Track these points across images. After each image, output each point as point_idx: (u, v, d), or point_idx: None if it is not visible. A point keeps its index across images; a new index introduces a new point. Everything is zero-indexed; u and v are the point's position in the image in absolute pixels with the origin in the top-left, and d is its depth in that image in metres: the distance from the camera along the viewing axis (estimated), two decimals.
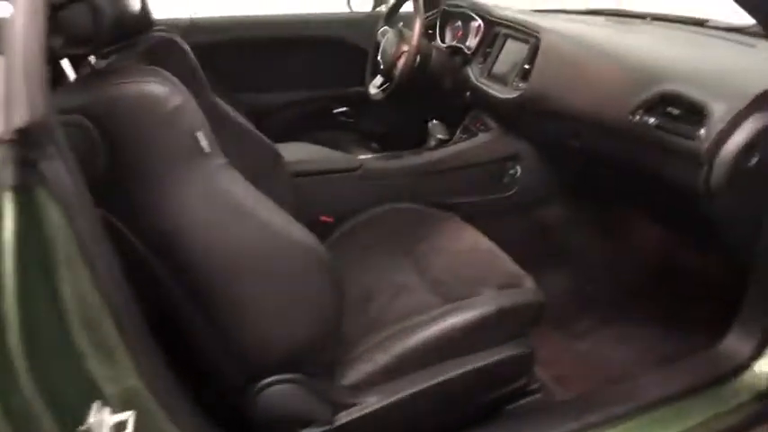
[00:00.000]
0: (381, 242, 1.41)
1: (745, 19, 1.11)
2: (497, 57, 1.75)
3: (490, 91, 1.68)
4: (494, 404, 1.17)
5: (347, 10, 2.32)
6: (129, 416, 0.66)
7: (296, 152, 1.58)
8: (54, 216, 0.59)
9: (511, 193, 1.71)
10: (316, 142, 2.17)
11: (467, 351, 1.08)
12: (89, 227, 0.63)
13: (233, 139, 1.28)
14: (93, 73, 0.83)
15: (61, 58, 0.85)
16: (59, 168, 0.60)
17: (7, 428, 0.59)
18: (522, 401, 1.20)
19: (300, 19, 2.27)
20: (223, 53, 2.14)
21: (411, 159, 1.64)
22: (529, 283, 1.20)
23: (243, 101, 2.18)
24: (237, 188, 0.86)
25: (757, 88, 1.10)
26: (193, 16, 2.15)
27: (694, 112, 1.13)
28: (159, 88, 0.78)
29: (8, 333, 0.57)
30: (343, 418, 0.99)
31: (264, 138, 1.37)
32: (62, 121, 0.76)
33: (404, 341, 1.05)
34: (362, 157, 1.70)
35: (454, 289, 1.17)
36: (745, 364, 1.24)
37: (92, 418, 0.63)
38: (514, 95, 1.55)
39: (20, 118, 0.54)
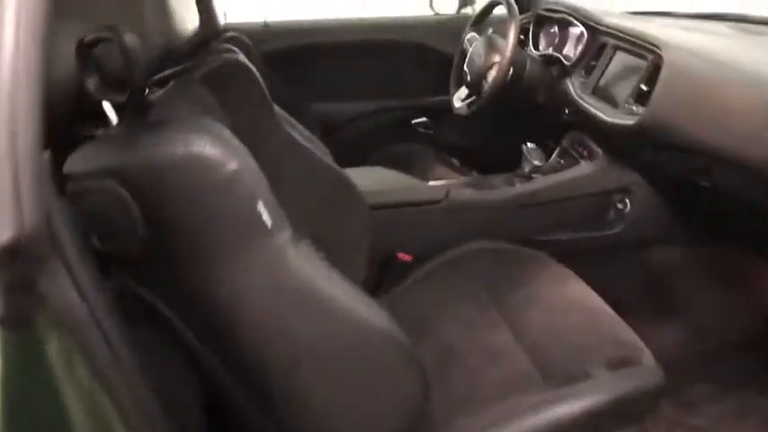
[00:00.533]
0: (467, 289, 1.24)
1: None
2: (604, 71, 1.51)
3: (596, 112, 1.45)
4: None
5: (430, 13, 2.13)
6: None
7: (370, 179, 1.42)
8: (60, 347, 0.45)
9: (617, 230, 1.47)
10: (392, 156, 2.02)
11: None
12: (108, 354, 0.49)
13: (303, 169, 1.15)
14: (132, 120, 0.69)
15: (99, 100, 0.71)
16: (66, 287, 0.45)
17: None
18: None
19: (378, 22, 2.10)
20: (296, 59, 2.01)
21: (504, 190, 1.43)
22: (646, 358, 1.01)
23: (315, 110, 2.05)
24: (306, 270, 0.70)
25: None
26: (267, 20, 2.03)
27: None
28: (211, 150, 0.63)
29: None
30: None
31: (337, 168, 1.21)
32: (90, 188, 0.63)
33: None
34: (443, 182, 1.52)
35: (558, 362, 1.01)
36: None
37: None
38: (630, 122, 1.31)
39: (6, 231, 0.39)
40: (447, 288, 1.26)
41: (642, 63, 1.36)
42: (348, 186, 1.22)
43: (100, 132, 0.74)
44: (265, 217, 0.66)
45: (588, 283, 1.24)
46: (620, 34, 1.45)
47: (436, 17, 2.12)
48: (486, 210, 1.40)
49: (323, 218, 1.14)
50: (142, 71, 0.64)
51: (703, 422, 1.31)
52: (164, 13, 0.90)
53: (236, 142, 0.67)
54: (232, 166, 0.64)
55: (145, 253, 0.66)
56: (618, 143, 1.43)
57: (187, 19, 0.95)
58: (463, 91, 1.81)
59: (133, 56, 0.60)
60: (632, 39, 1.40)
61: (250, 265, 0.67)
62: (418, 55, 2.07)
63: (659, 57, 1.28)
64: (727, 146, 1.11)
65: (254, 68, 1.09)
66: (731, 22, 1.66)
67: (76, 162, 0.66)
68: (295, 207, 1.09)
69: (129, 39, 0.60)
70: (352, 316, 0.73)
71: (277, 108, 1.38)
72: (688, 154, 1.21)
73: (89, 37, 0.61)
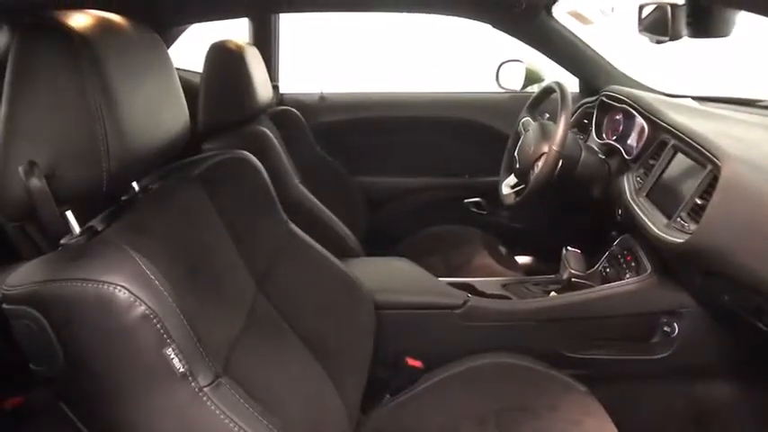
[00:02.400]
0: (477, 411, 1.12)
1: None
2: (662, 173, 1.35)
3: (646, 220, 1.29)
4: None
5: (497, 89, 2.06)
6: None
7: (386, 274, 1.33)
8: None
9: (661, 356, 1.28)
10: (438, 235, 1.93)
11: None
12: None
13: (303, 268, 1.10)
14: (60, 250, 0.67)
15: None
16: None
17: None
18: None
19: (436, 98, 2.05)
20: (349, 131, 2.00)
21: (530, 302, 1.29)
22: None
23: (363, 183, 2.02)
24: (224, 416, 0.63)
25: None
26: (323, 92, 2.05)
27: None
28: (121, 293, 0.61)
29: None
30: None
31: (341, 267, 1.15)
32: (9, 312, 0.61)
33: None
34: (471, 280, 1.41)
35: None
36: None
37: None
38: (678, 240, 1.14)
39: None
40: (455, 406, 1.15)
41: (701, 171, 1.20)
42: (353, 286, 1.14)
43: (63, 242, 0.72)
44: (176, 362, 0.61)
45: (621, 412, 1.09)
46: (681, 135, 1.29)
47: (495, 94, 2.05)
48: (509, 319, 1.27)
49: (321, 318, 1.07)
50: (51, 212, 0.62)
51: None
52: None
53: (156, 283, 0.64)
54: (140, 310, 0.60)
55: (67, 378, 0.63)
56: (669, 259, 1.25)
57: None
58: (512, 178, 1.70)
59: (37, 198, 0.59)
60: (693, 142, 1.24)
61: (164, 409, 0.62)
62: (473, 133, 1.99)
63: (717, 168, 1.12)
64: None
65: (260, 166, 1.06)
66: None
67: (14, 279, 0.65)
68: (288, 306, 1.04)
69: (34, 182, 0.59)
70: None
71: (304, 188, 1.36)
72: (741, 288, 1.03)
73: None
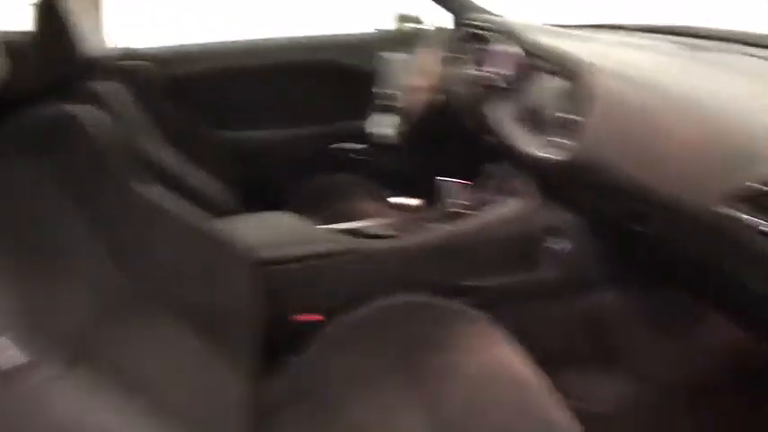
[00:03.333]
0: (381, 358, 1.07)
1: None
2: (532, 96, 1.36)
3: (522, 143, 1.29)
4: None
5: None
6: None
7: (263, 229, 1.23)
8: None
9: (549, 275, 1.31)
10: (318, 186, 1.83)
11: None
12: None
13: (170, 234, 0.96)
14: None
15: None
16: None
17: None
18: None
19: (294, 42, 1.91)
20: (205, 85, 1.82)
21: (419, 237, 1.26)
22: None
23: (231, 138, 1.86)
24: (75, 406, 0.52)
25: None
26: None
27: None
28: None
29: None
30: None
31: (210, 230, 1.03)
32: None
33: None
34: (356, 224, 1.34)
35: None
36: None
37: None
38: (558, 157, 1.15)
39: None
40: (358, 357, 1.09)
41: (572, 89, 1.21)
42: (229, 247, 1.03)
43: None
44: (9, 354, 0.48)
45: (522, 332, 1.09)
46: (548, 55, 1.30)
47: (362, 35, 1.96)
48: (401, 258, 1.23)
49: (195, 287, 0.96)
50: None
51: None
52: None
53: None
54: None
55: None
56: (547, 179, 1.27)
57: None
58: (384, 117, 1.64)
59: None
60: (560, 60, 1.24)
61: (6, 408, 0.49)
62: (338, 77, 1.90)
63: (590, 82, 1.13)
64: (661, 188, 0.96)
65: (90, 126, 0.90)
66: (680, 37, 1.52)
67: None
68: (154, 279, 0.91)
69: None
70: None
71: (164, 151, 1.20)
72: (622, 196, 1.06)
73: None
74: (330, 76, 1.90)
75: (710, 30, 1.49)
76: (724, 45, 1.34)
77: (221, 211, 1.33)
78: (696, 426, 1.26)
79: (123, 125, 1.29)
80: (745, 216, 0.81)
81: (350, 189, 1.78)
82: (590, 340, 1.37)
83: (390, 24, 1.95)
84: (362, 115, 1.89)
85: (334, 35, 1.96)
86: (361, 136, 1.91)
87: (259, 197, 1.72)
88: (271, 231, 1.22)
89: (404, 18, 1.93)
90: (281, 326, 1.15)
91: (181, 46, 1.84)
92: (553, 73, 1.30)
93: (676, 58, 1.25)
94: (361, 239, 1.22)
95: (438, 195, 1.48)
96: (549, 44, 1.31)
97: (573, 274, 1.32)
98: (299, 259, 1.16)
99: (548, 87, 1.32)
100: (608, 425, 0.89)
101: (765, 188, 0.79)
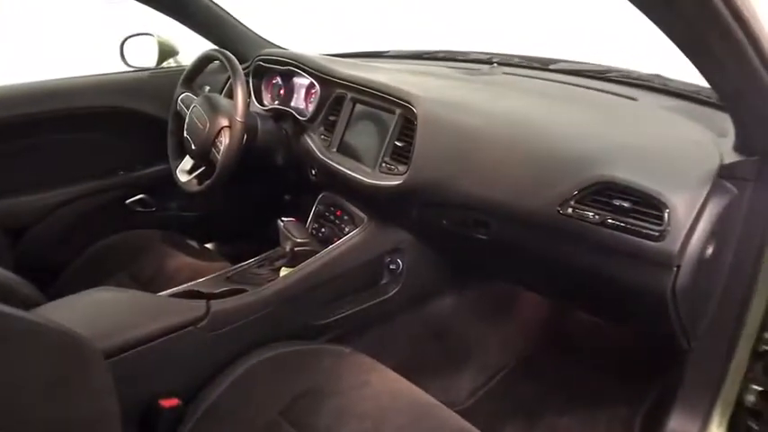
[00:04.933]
0: (259, 415, 0.99)
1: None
2: (347, 127, 1.40)
3: (348, 172, 1.32)
4: None
5: (124, 69, 1.77)
6: None
7: (96, 314, 1.03)
8: None
9: (393, 292, 1.36)
10: (112, 247, 1.59)
11: None
12: None
13: None
14: None
15: None
16: None
17: None
18: None
19: (62, 85, 1.63)
20: None
21: (272, 287, 1.18)
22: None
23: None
24: None
25: (706, 166, 0.92)
26: None
27: (646, 204, 0.91)
28: None
29: None
30: None
31: (45, 325, 0.82)
32: None
33: None
34: (188, 286, 1.22)
35: None
36: None
37: None
38: (393, 183, 1.20)
39: None
40: (236, 423, 0.99)
41: (390, 117, 1.28)
42: (65, 341, 0.83)
43: None
44: None
45: (381, 355, 1.12)
46: (360, 87, 1.35)
47: (132, 74, 1.77)
48: (256, 311, 1.14)
49: (43, 400, 0.76)
50: None
51: None
52: None
53: None
54: None
55: None
56: (381, 204, 1.32)
57: None
58: (188, 162, 1.52)
59: None
60: (376, 92, 1.30)
61: None
62: (120, 120, 1.69)
63: (410, 111, 1.21)
64: (499, 198, 1.08)
65: None
66: (447, 62, 1.70)
67: None
68: None
69: None
70: None
71: None
72: (460, 209, 1.16)
73: None
74: (112, 121, 1.67)
75: (470, 53, 1.71)
76: (487, 68, 1.55)
77: (22, 300, 1.08)
78: (534, 392, 1.44)
79: None
80: (588, 213, 0.96)
81: (151, 244, 1.59)
82: (436, 346, 1.46)
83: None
84: (155, 161, 1.73)
85: (109, 74, 1.74)
86: (156, 184, 1.74)
87: (37, 273, 1.42)
88: (104, 312, 1.02)
89: (167, 50, 1.81)
90: (145, 418, 0.99)
91: None
92: (366, 103, 1.35)
93: (464, 81, 1.41)
94: (215, 301, 1.10)
95: (254, 238, 1.43)
96: (359, 75, 1.36)
97: (412, 287, 1.39)
98: (148, 339, 1.00)
99: (363, 118, 1.37)
100: (466, 414, 0.97)
101: (590, 189, 0.95)
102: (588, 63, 1.51)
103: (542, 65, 1.53)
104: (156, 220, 1.79)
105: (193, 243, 1.64)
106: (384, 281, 1.37)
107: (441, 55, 1.75)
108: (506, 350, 1.51)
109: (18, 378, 0.72)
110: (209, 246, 1.84)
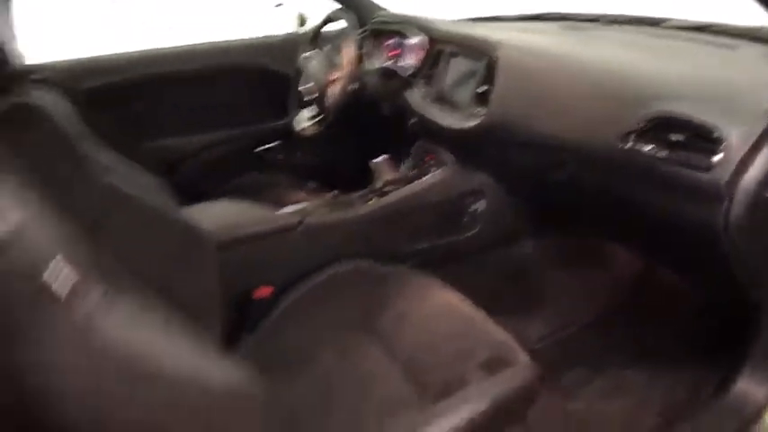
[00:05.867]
0: (336, 315, 1.17)
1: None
2: (444, 78, 1.52)
3: (439, 119, 1.44)
4: None
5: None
6: None
7: (216, 215, 1.28)
8: None
9: (473, 232, 1.47)
10: (241, 188, 1.88)
11: None
12: None
13: (132, 222, 0.99)
14: None
15: None
16: None
17: None
18: None
19: (207, 48, 1.95)
20: (124, 95, 1.82)
21: (360, 207, 1.37)
22: (521, 356, 1.00)
23: (153, 148, 1.86)
24: (128, 335, 0.57)
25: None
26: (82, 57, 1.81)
27: (703, 138, 0.93)
28: None
29: None
30: None
31: (177, 215, 1.06)
32: None
33: None
34: (298, 207, 1.42)
35: (433, 374, 0.98)
36: (758, 414, 1.11)
37: None
38: (472, 124, 1.31)
39: None
40: (315, 317, 1.18)
41: (479, 65, 1.38)
42: (190, 232, 1.07)
43: None
44: (57, 284, 0.52)
45: (455, 287, 1.22)
46: (455, 40, 1.47)
47: (271, 37, 2.04)
48: (344, 230, 1.33)
49: (163, 271, 0.99)
50: None
51: (580, 405, 1.33)
52: None
53: (27, 192, 0.53)
54: (6, 225, 0.49)
55: None
56: (464, 147, 1.43)
57: None
58: (306, 111, 1.74)
59: None
60: (466, 43, 1.41)
61: (53, 342, 0.53)
62: (257, 79, 1.97)
63: (494, 57, 1.30)
64: (569, 136, 1.14)
65: (51, 113, 0.92)
66: (558, 21, 1.75)
67: None
68: (124, 263, 0.94)
69: None
70: (190, 379, 0.61)
71: (106, 154, 1.21)
72: (536, 149, 1.23)
73: None
74: (249, 79, 1.96)
75: (578, 14, 1.73)
76: (590, 24, 1.57)
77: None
78: (601, 345, 1.46)
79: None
80: (644, 147, 1.00)
81: (275, 184, 1.85)
82: (512, 288, 1.54)
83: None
84: (284, 115, 1.97)
85: (249, 39, 2.03)
86: (284, 135, 1.99)
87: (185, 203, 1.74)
88: (225, 216, 1.28)
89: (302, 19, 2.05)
90: (242, 302, 1.21)
91: (94, 57, 1.82)
92: (461, 54, 1.47)
93: (562, 36, 1.47)
94: (308, 215, 1.30)
95: (370, 174, 1.60)
96: (456, 30, 1.48)
97: (491, 229, 1.48)
98: (252, 239, 1.23)
99: (456, 69, 1.49)
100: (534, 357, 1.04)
101: (653, 122, 0.99)
102: (701, 22, 1.47)
103: (651, 23, 1.52)
104: (285, 166, 2.05)
105: (312, 184, 1.88)
106: (465, 220, 1.48)
107: (550, 16, 1.79)
108: (580, 303, 1.55)
109: (137, 250, 0.95)
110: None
